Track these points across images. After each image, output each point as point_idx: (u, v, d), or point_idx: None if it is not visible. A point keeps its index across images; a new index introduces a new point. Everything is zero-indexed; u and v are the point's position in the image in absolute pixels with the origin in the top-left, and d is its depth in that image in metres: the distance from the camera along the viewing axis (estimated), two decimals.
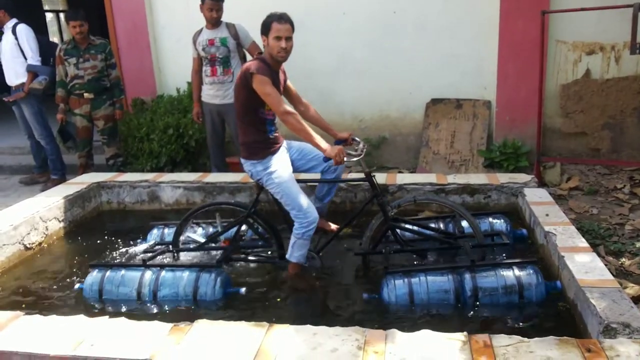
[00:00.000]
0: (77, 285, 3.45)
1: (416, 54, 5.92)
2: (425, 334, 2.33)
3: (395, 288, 3.06)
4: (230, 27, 5.10)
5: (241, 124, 3.48)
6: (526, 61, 5.46)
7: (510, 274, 3.02)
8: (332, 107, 6.13)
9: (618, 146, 5.54)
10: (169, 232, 3.99)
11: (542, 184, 5.06)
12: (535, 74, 5.23)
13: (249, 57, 5.09)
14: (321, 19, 6.01)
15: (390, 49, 5.96)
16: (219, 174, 5.13)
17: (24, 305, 3.28)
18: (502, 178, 4.46)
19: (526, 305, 2.97)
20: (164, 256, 3.79)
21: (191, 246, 3.84)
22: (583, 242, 3.20)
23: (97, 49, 5.59)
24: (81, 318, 2.62)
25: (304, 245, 3.39)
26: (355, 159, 3.40)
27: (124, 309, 3.18)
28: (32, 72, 5.89)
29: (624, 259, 3.66)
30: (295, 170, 3.60)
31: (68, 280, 3.61)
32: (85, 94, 5.62)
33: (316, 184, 3.85)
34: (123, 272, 3.37)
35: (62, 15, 13.41)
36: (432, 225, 3.82)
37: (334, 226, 3.78)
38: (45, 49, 6.03)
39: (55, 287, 3.54)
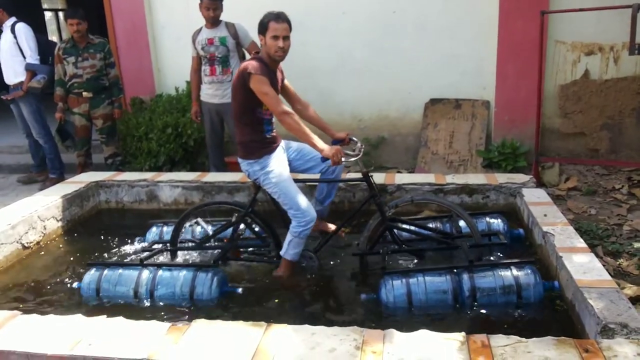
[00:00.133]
0: (75, 284, 3.45)
1: (416, 54, 5.92)
2: (423, 334, 2.33)
3: (394, 288, 3.06)
4: (229, 26, 5.09)
5: (238, 124, 3.48)
6: (525, 61, 5.47)
7: (508, 274, 3.02)
8: (332, 106, 6.13)
9: (616, 147, 5.54)
10: (167, 230, 3.99)
11: (540, 184, 5.06)
12: (534, 74, 5.23)
13: (248, 56, 5.09)
14: (321, 18, 6.01)
15: (390, 48, 5.96)
16: (218, 173, 5.13)
17: (21, 305, 3.28)
18: (501, 178, 4.46)
19: (524, 306, 2.97)
20: (163, 255, 3.78)
21: (189, 245, 3.84)
22: (581, 243, 3.20)
23: (96, 48, 5.58)
24: (79, 317, 2.62)
25: (299, 243, 3.40)
26: (353, 159, 3.39)
27: (121, 308, 3.17)
28: (31, 70, 5.88)
29: (622, 260, 3.67)
30: (293, 170, 3.60)
31: (66, 279, 3.61)
32: (84, 93, 5.61)
33: (314, 183, 3.85)
34: (120, 271, 3.37)
35: (61, 14, 13.39)
36: (430, 225, 3.82)
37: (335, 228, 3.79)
38: (44, 47, 6.02)
39: (53, 286, 3.54)
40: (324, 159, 3.26)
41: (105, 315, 2.64)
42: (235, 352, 2.27)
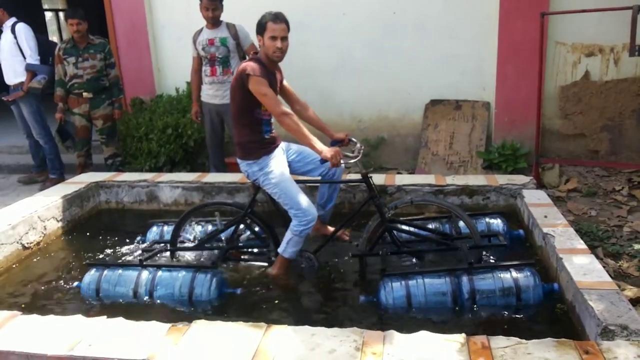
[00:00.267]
0: (75, 284, 3.46)
1: (416, 54, 5.92)
2: (423, 335, 2.33)
3: (393, 290, 3.05)
4: (230, 27, 5.10)
5: (237, 125, 3.49)
6: (525, 62, 5.47)
7: (508, 276, 3.01)
8: (332, 107, 6.13)
9: (617, 148, 5.54)
10: (168, 230, 3.99)
11: (540, 185, 5.06)
12: (535, 76, 5.23)
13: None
14: (321, 18, 6.01)
15: (390, 49, 5.96)
16: (218, 174, 5.13)
17: (23, 306, 3.28)
18: (501, 179, 4.46)
19: (524, 308, 2.96)
20: (163, 255, 3.79)
21: (189, 245, 3.84)
22: (581, 244, 3.20)
23: (96, 49, 5.58)
24: (79, 318, 2.61)
25: (299, 242, 3.40)
26: (352, 160, 3.39)
27: (121, 309, 3.17)
28: (31, 71, 5.89)
29: (622, 261, 3.66)
30: (293, 172, 3.60)
31: (66, 279, 3.61)
32: (84, 94, 5.61)
33: (314, 184, 3.85)
34: (120, 271, 3.38)
35: (61, 14, 13.40)
36: (429, 226, 3.82)
37: (341, 232, 3.79)
38: (45, 48, 6.03)
39: (53, 286, 3.54)
40: (323, 161, 3.25)
41: (105, 316, 2.64)
42: (235, 353, 2.27)
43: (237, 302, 3.24)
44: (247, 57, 3.60)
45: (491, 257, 3.56)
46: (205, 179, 4.84)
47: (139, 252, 3.89)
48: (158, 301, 3.25)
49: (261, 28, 3.32)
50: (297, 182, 3.47)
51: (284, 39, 3.31)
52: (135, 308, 3.19)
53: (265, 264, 3.64)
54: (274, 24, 3.27)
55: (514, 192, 4.31)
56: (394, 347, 2.25)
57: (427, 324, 2.85)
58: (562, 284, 2.98)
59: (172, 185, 4.82)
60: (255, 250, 3.81)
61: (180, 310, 3.16)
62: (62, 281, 3.60)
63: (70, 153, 5.99)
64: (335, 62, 6.13)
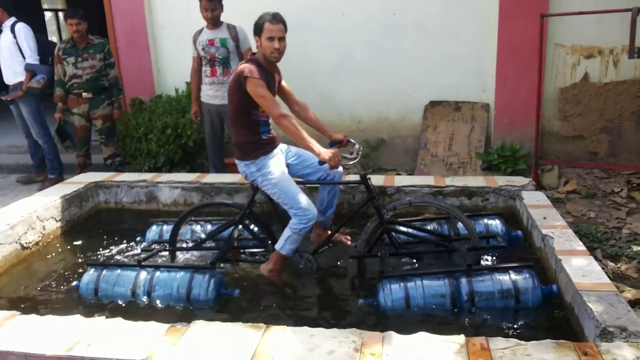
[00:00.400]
0: (74, 283, 3.46)
1: (415, 55, 5.93)
2: (422, 337, 2.33)
3: (392, 293, 3.04)
4: (231, 28, 5.10)
5: (235, 125, 3.49)
6: (525, 64, 5.47)
7: (507, 278, 3.01)
8: (331, 107, 6.14)
9: (616, 150, 5.55)
10: (167, 229, 3.99)
11: (539, 187, 5.06)
12: (534, 77, 5.24)
13: None
14: (320, 18, 6.01)
15: (390, 49, 5.96)
16: (217, 174, 5.13)
17: (22, 306, 3.27)
18: (500, 181, 4.46)
19: (522, 310, 2.96)
20: (161, 254, 3.79)
21: (187, 245, 3.84)
22: (580, 246, 3.20)
23: (96, 49, 5.58)
24: (77, 318, 2.61)
25: (297, 240, 3.39)
26: (350, 162, 3.38)
27: (120, 309, 3.17)
28: (31, 71, 5.89)
29: (621, 263, 3.67)
30: (291, 175, 3.58)
31: (64, 279, 3.61)
32: (84, 94, 5.61)
33: (313, 185, 3.84)
34: (118, 271, 3.38)
35: (61, 14, 13.39)
36: (428, 227, 3.82)
37: (343, 237, 3.77)
38: (44, 48, 6.03)
39: (51, 286, 3.54)
40: (321, 163, 3.24)
41: (104, 316, 2.63)
42: (234, 354, 2.27)
43: (235, 303, 3.24)
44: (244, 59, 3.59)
45: (490, 259, 3.56)
46: (205, 179, 4.83)
47: (138, 252, 3.90)
48: (156, 301, 3.24)
49: (258, 29, 3.31)
50: (296, 183, 3.47)
51: (282, 39, 3.31)
52: (133, 308, 3.19)
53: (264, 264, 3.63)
54: (271, 24, 3.26)
55: (513, 193, 4.31)
56: (393, 348, 2.25)
57: (426, 325, 2.85)
58: (561, 286, 2.98)
59: (171, 185, 4.81)
60: (254, 250, 3.80)
61: (178, 311, 3.16)
62: (60, 281, 3.60)
63: (70, 153, 5.99)
64: (335, 63, 6.13)
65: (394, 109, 6.15)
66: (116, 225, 4.60)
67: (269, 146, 3.50)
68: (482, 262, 3.48)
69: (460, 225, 3.66)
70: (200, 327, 2.48)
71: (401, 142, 6.20)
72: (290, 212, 3.34)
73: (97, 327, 2.52)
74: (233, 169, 5.31)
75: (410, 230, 3.69)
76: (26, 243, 4.02)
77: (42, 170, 6.44)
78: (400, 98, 6.09)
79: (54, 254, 4.07)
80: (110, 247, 4.10)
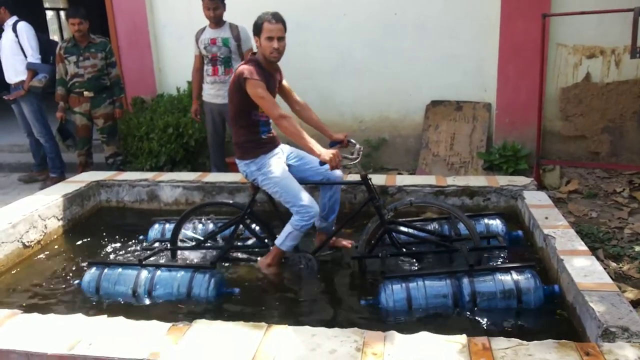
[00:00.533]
0: (75, 281, 3.47)
1: (416, 55, 5.92)
2: (424, 336, 2.32)
3: (393, 293, 3.03)
4: (233, 28, 5.10)
5: (234, 125, 3.50)
6: (526, 64, 5.47)
7: (509, 279, 3.00)
8: (332, 107, 6.13)
9: (617, 150, 5.54)
10: (169, 228, 4.00)
11: (541, 186, 5.06)
12: (536, 77, 5.23)
13: None
14: (321, 18, 6.01)
15: (390, 49, 5.96)
16: (219, 173, 5.13)
17: (24, 305, 3.27)
18: (502, 180, 4.46)
19: (524, 310, 2.96)
20: (163, 253, 3.79)
21: (188, 244, 3.84)
22: (582, 246, 3.19)
23: (98, 48, 5.58)
24: (79, 317, 2.61)
25: (298, 237, 3.39)
26: (351, 162, 3.37)
27: (120, 307, 3.17)
28: (32, 70, 5.89)
29: (622, 263, 3.66)
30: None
31: (66, 278, 3.61)
32: (85, 93, 5.61)
33: (313, 185, 3.82)
34: (120, 270, 3.38)
35: (62, 13, 13.39)
36: (429, 227, 3.81)
37: (345, 242, 3.76)
38: (46, 47, 6.03)
39: (53, 285, 3.54)
40: (322, 163, 3.24)
41: (105, 315, 2.63)
42: (235, 353, 2.27)
43: (236, 302, 3.23)
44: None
45: (491, 259, 3.56)
46: (206, 178, 4.83)
47: (140, 250, 3.91)
48: (157, 300, 3.25)
49: (257, 29, 3.31)
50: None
51: (281, 39, 3.30)
52: (134, 307, 3.19)
53: None
54: (270, 24, 3.26)
55: (514, 193, 4.30)
56: (394, 347, 2.25)
57: (427, 325, 2.84)
58: (563, 286, 2.98)
59: (172, 184, 4.81)
60: (255, 250, 3.80)
61: (180, 310, 3.16)
62: (62, 280, 3.60)
63: (71, 152, 6.00)
64: (336, 63, 6.13)
65: (395, 109, 6.15)
66: (118, 224, 4.60)
67: (268, 145, 3.50)
68: (484, 263, 3.48)
69: (461, 225, 3.66)
70: (202, 327, 2.48)
71: (402, 142, 6.19)
72: (292, 210, 3.33)
73: (98, 326, 2.52)
74: (234, 169, 5.30)
75: (411, 231, 3.68)
76: (28, 242, 4.02)
77: (44, 169, 6.45)
78: (401, 98, 6.09)
79: (55, 253, 4.07)
80: (112, 246, 4.10)
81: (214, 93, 5.16)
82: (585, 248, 3.17)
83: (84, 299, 3.32)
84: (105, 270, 3.37)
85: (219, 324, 2.51)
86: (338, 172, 3.58)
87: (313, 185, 3.90)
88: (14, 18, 5.95)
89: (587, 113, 5.57)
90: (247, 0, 5.53)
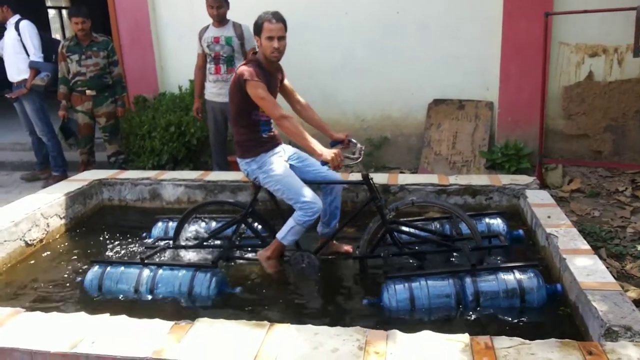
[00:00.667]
0: (78, 279, 3.48)
1: (418, 54, 5.92)
2: (427, 335, 2.32)
3: (396, 293, 3.02)
4: (237, 27, 5.10)
5: (235, 125, 3.51)
6: (529, 62, 5.46)
7: (511, 278, 3.00)
8: (334, 106, 6.13)
9: (620, 149, 5.54)
10: (172, 226, 4.01)
11: (543, 185, 5.05)
12: (538, 76, 5.23)
13: None
14: (323, 18, 6.01)
15: (392, 48, 5.96)
16: (220, 172, 5.13)
17: (27, 303, 3.27)
18: (504, 179, 4.46)
19: (527, 309, 2.95)
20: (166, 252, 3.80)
21: (190, 244, 3.85)
22: (585, 245, 3.19)
23: (100, 46, 5.59)
24: (82, 315, 2.62)
25: (300, 232, 3.37)
26: (353, 162, 3.37)
27: (123, 306, 3.17)
28: (35, 68, 5.90)
29: (625, 262, 3.66)
30: None
31: (68, 277, 3.62)
32: (88, 91, 5.62)
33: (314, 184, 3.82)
34: (122, 268, 3.39)
35: (64, 12, 13.40)
36: (430, 227, 3.81)
37: (346, 247, 3.75)
38: (48, 45, 6.04)
39: (55, 283, 3.54)
40: (324, 163, 3.23)
41: (108, 314, 2.64)
42: (238, 351, 2.27)
43: (238, 301, 3.24)
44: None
45: (493, 258, 3.55)
46: (208, 177, 4.84)
47: (142, 249, 3.91)
48: (159, 299, 3.25)
49: (258, 28, 3.30)
50: None
51: (281, 38, 3.29)
52: (137, 306, 3.20)
53: None
54: (270, 24, 3.25)
55: (517, 192, 4.30)
56: (397, 346, 2.25)
57: (430, 324, 2.85)
58: (566, 285, 2.98)
59: (174, 183, 4.82)
60: (257, 249, 3.80)
61: (182, 309, 3.16)
62: (64, 278, 3.60)
63: (73, 150, 6.00)
64: (338, 62, 6.12)
65: (397, 108, 6.14)
66: (120, 223, 4.60)
67: (269, 144, 3.50)
68: (485, 262, 3.47)
69: (462, 224, 3.65)
70: (204, 325, 2.49)
71: (405, 141, 6.19)
72: (295, 206, 3.32)
73: (101, 324, 2.52)
74: (236, 167, 5.29)
75: (412, 230, 3.68)
76: (30, 240, 4.03)
77: (46, 167, 6.45)
78: (403, 96, 6.08)
79: (57, 251, 4.08)
80: (114, 245, 4.10)
81: (216, 92, 5.16)
82: (587, 247, 3.16)
83: (87, 297, 3.33)
84: (108, 269, 3.38)
85: (221, 323, 2.51)
86: (337, 175, 3.59)
87: (314, 189, 3.90)
88: (17, 17, 5.96)
89: (589, 112, 5.56)
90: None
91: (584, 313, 2.65)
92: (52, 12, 13.56)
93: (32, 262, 3.90)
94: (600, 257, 3.33)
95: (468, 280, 3.03)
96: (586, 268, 2.88)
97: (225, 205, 4.06)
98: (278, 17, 3.29)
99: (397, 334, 2.33)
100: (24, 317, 2.63)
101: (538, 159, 5.35)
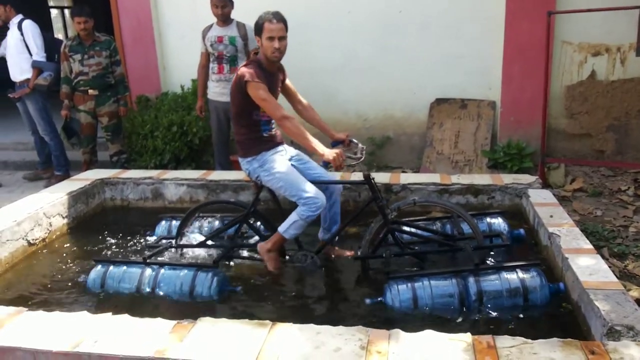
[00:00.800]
0: (81, 277, 3.49)
1: (420, 53, 5.91)
2: (429, 335, 2.32)
3: (399, 293, 3.01)
4: (240, 27, 5.10)
5: (236, 124, 3.52)
6: (531, 62, 5.45)
7: (515, 277, 2.99)
8: (336, 106, 6.13)
9: (622, 148, 5.52)
10: (176, 225, 4.02)
11: (546, 185, 5.04)
12: (541, 75, 5.22)
13: None
14: (324, 17, 6.01)
15: (394, 48, 5.95)
16: (223, 171, 5.13)
17: (29, 302, 3.28)
18: (506, 179, 4.45)
19: (530, 308, 2.95)
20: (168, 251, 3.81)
21: (192, 243, 3.85)
22: (587, 244, 3.19)
23: (102, 46, 5.59)
24: (84, 315, 2.62)
25: (302, 226, 3.36)
26: (355, 162, 3.37)
27: (125, 305, 3.18)
28: (37, 68, 5.91)
29: (628, 261, 3.65)
30: None
31: (71, 276, 3.62)
32: (90, 91, 5.63)
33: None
34: (124, 268, 3.40)
35: (67, 11, 13.41)
36: (432, 227, 3.80)
37: (347, 252, 3.74)
38: (50, 45, 6.05)
39: (58, 283, 3.55)
40: (326, 163, 3.23)
41: (110, 313, 2.64)
42: (240, 351, 2.27)
43: (240, 301, 3.24)
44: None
45: (494, 258, 3.55)
46: (210, 176, 4.84)
47: (144, 248, 3.92)
48: (161, 299, 3.26)
49: (258, 29, 3.30)
50: None
51: (282, 38, 3.29)
52: (139, 305, 3.20)
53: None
54: (270, 24, 3.25)
55: (519, 191, 4.29)
56: (399, 345, 2.25)
57: (432, 323, 2.84)
58: (568, 284, 2.97)
59: (177, 182, 4.82)
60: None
61: (184, 308, 3.16)
62: (67, 277, 3.61)
63: (76, 150, 6.01)
64: (339, 61, 6.12)
65: (400, 107, 6.14)
66: (122, 222, 4.61)
67: (270, 143, 3.50)
68: (488, 261, 3.47)
69: (464, 224, 3.64)
70: (206, 324, 2.49)
71: (407, 140, 6.19)
72: (299, 202, 3.30)
73: (103, 323, 2.53)
74: (239, 167, 5.29)
75: (414, 230, 3.67)
76: (33, 239, 4.04)
77: (49, 167, 6.46)
78: (405, 96, 6.08)
79: (60, 251, 4.08)
80: (116, 244, 4.11)
81: (219, 91, 5.16)
82: (590, 246, 3.16)
83: (89, 297, 3.33)
84: (110, 268, 3.39)
85: (223, 322, 2.51)
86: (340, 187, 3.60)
87: None
88: (20, 16, 5.97)
89: (592, 111, 5.55)
90: None
91: (587, 312, 2.65)
92: (54, 12, 13.57)
93: (35, 261, 3.91)
94: (603, 257, 3.33)
95: (471, 279, 3.03)
96: (588, 267, 2.88)
97: (228, 205, 4.06)
98: (279, 17, 3.28)
99: (400, 333, 2.33)
100: (27, 316, 2.64)
101: (540, 158, 5.34)
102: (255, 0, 5.00)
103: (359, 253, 3.53)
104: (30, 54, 5.91)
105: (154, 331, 2.44)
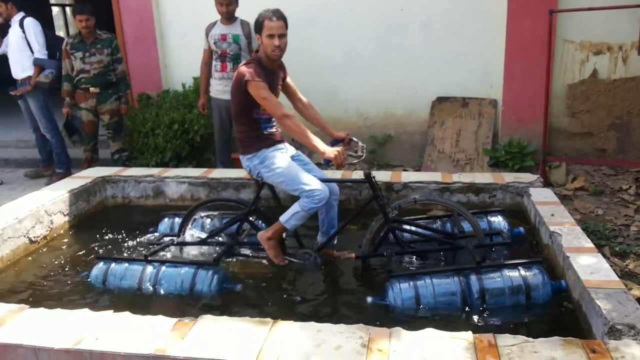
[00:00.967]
0: (83, 273, 3.51)
1: (422, 52, 5.91)
2: (430, 333, 2.32)
3: (401, 292, 3.01)
4: (244, 25, 5.09)
5: (236, 122, 3.52)
6: (533, 60, 5.45)
7: (517, 275, 2.99)
8: (337, 104, 6.13)
9: (624, 147, 5.52)
10: (178, 222, 4.02)
11: (547, 183, 5.04)
12: (542, 74, 5.21)
13: None
14: (327, 15, 6.00)
15: (396, 46, 5.95)
16: (224, 169, 5.13)
17: (31, 299, 3.29)
18: (508, 177, 4.45)
19: (532, 306, 2.95)
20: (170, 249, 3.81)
21: (193, 241, 3.86)
22: (588, 243, 3.18)
23: (104, 44, 5.59)
24: (85, 312, 2.62)
25: (304, 218, 3.37)
26: (356, 161, 3.37)
27: (126, 302, 3.18)
28: (39, 65, 5.91)
29: (629, 260, 3.65)
30: None
31: (72, 273, 3.63)
32: (91, 88, 5.63)
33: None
34: (126, 265, 3.41)
35: (68, 9, 13.41)
36: (433, 225, 3.80)
37: (347, 254, 3.71)
38: (52, 42, 6.05)
39: (59, 280, 3.55)
40: (327, 161, 3.23)
41: (111, 310, 2.64)
42: (241, 348, 2.27)
43: (241, 298, 3.24)
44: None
45: (495, 256, 3.55)
46: (212, 174, 4.84)
47: (146, 245, 3.92)
48: (162, 296, 3.26)
49: (258, 26, 3.30)
50: None
51: (282, 36, 3.28)
52: (140, 302, 3.21)
53: (268, 260, 3.63)
54: (270, 21, 3.24)
55: (520, 190, 4.29)
56: (400, 343, 2.25)
57: (434, 321, 2.84)
58: (569, 283, 2.97)
59: (178, 180, 4.82)
60: (259, 246, 3.80)
61: (185, 305, 3.17)
62: (68, 275, 3.61)
63: (77, 147, 6.02)
64: (341, 59, 6.12)
65: (401, 105, 6.13)
66: (123, 220, 4.61)
67: (270, 140, 3.50)
68: (488, 259, 3.47)
69: (465, 222, 3.64)
70: (207, 322, 2.49)
71: (408, 138, 6.18)
72: (301, 195, 3.30)
73: (105, 321, 2.53)
74: (240, 165, 5.30)
75: (415, 229, 3.67)
76: (34, 237, 4.04)
77: (50, 164, 6.47)
78: (406, 94, 6.07)
79: (61, 248, 4.09)
80: (118, 241, 4.11)
81: (222, 89, 5.16)
82: (591, 245, 3.16)
83: (90, 294, 3.34)
84: (112, 265, 3.41)
85: (224, 320, 2.51)
86: (336, 188, 3.61)
87: None
88: (21, 14, 5.97)
89: (593, 110, 5.54)
90: None
91: (588, 311, 2.65)
92: (56, 10, 13.56)
93: (36, 258, 3.91)
94: (604, 256, 3.32)
95: (473, 277, 3.02)
96: (590, 266, 2.88)
97: (229, 203, 4.06)
98: (279, 15, 3.28)
99: (401, 331, 2.33)
100: (28, 313, 2.64)
101: (542, 157, 5.34)
102: None
103: (360, 252, 3.52)
104: (32, 52, 5.91)
105: (155, 329, 2.45)
